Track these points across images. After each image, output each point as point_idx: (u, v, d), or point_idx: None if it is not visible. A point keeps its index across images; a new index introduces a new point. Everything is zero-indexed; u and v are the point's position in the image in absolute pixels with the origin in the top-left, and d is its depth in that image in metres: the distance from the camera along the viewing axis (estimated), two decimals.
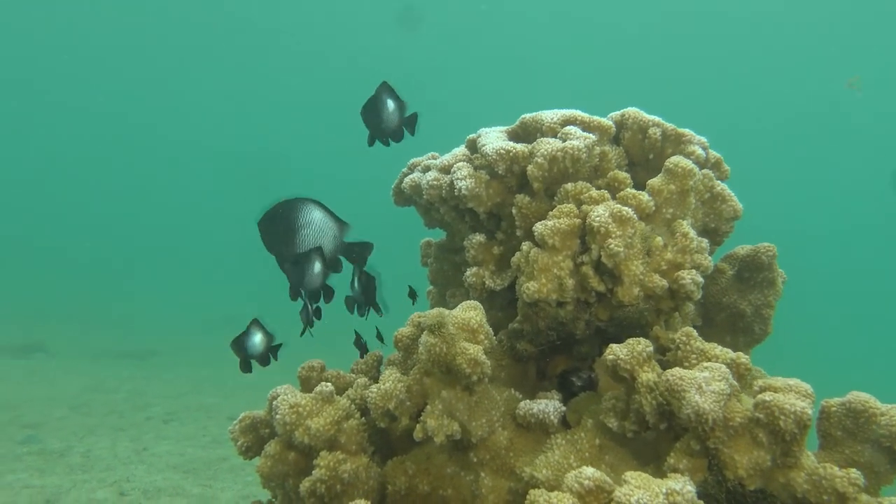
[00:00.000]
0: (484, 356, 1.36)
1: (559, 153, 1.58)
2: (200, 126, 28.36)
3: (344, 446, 1.45)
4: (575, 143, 1.59)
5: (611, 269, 1.44)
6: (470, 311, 1.43)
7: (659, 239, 1.50)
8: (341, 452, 1.44)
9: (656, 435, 1.29)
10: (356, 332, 1.94)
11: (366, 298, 1.69)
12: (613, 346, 1.32)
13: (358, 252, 1.64)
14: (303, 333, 1.64)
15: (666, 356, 1.39)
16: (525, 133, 1.77)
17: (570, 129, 1.64)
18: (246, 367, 1.71)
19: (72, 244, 19.72)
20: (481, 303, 1.51)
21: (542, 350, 1.63)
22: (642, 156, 1.77)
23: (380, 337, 2.03)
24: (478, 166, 1.72)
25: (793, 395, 1.18)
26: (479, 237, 1.74)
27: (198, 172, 27.84)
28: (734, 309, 1.86)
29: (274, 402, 1.46)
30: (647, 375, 1.26)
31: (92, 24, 25.18)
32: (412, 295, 2.11)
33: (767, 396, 1.17)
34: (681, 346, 1.35)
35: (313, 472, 1.41)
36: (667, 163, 1.55)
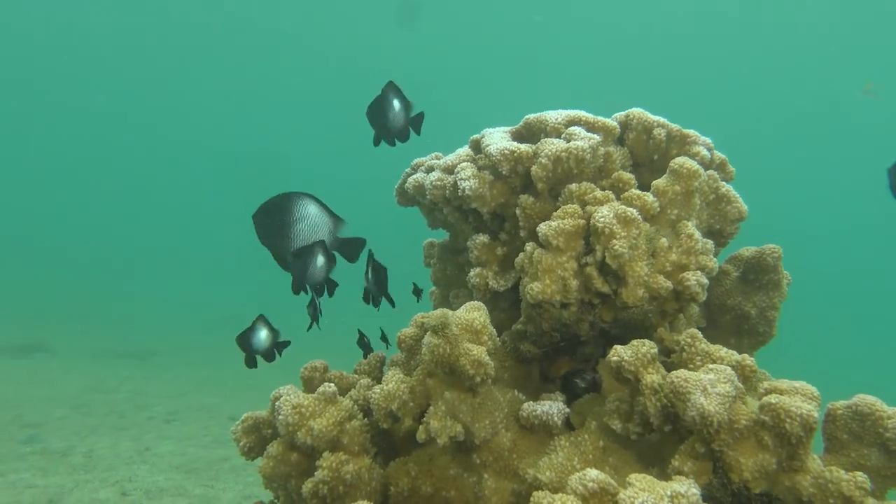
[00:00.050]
0: (487, 357, 1.35)
1: (563, 154, 1.57)
2: (200, 126, 28.34)
3: (347, 447, 1.45)
4: (579, 143, 1.58)
5: (615, 270, 1.44)
6: (473, 312, 1.43)
7: (664, 240, 1.49)
8: (344, 453, 1.43)
9: (660, 437, 1.28)
10: (360, 332, 1.94)
11: (378, 289, 1.69)
12: (617, 347, 1.31)
13: (351, 248, 1.62)
14: (310, 328, 1.64)
15: (670, 358, 1.39)
16: (529, 133, 1.77)
17: (575, 129, 1.64)
18: (251, 363, 1.72)
19: (72, 244, 19.70)
20: (485, 304, 1.50)
21: (546, 351, 1.62)
22: (647, 157, 1.76)
23: (384, 338, 2.02)
24: (481, 167, 1.71)
25: (799, 398, 1.18)
26: (482, 238, 1.73)
27: (198, 172, 27.82)
28: (739, 311, 1.86)
29: (276, 403, 1.46)
30: (652, 377, 1.26)
31: (92, 24, 25.17)
32: (417, 292, 2.10)
33: (773, 399, 1.17)
34: (685, 347, 1.34)
35: (316, 473, 1.40)
36: (671, 163, 1.54)
